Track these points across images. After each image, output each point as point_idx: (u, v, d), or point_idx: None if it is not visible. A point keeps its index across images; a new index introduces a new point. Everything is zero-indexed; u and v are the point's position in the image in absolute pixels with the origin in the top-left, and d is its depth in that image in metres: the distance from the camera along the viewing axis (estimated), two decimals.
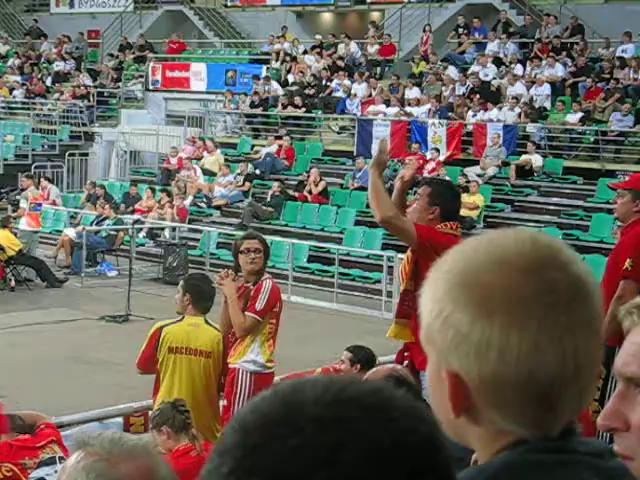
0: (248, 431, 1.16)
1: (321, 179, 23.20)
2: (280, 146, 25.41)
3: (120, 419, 7.72)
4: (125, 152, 28.27)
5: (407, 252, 6.47)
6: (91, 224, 22.32)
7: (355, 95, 26.37)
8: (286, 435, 1.13)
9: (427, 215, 6.34)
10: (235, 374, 7.28)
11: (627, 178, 7.74)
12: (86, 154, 28.83)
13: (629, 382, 1.60)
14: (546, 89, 23.96)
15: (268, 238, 8.75)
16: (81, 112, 29.80)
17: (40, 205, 20.89)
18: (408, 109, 24.85)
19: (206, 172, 25.38)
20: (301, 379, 1.22)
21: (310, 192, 23.08)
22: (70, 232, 21.69)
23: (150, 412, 7.62)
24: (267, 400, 1.19)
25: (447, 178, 18.43)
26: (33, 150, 28.70)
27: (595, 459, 1.45)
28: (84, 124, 29.66)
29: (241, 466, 1.14)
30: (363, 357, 6.86)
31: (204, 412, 7.22)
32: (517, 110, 23.41)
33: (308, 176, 23.42)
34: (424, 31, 28.11)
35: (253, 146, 26.62)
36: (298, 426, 1.14)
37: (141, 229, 22.69)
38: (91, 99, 30.59)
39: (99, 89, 31.16)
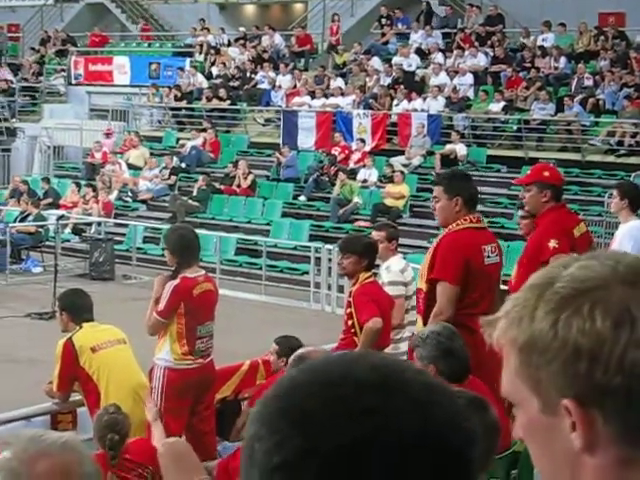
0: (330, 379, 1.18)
1: (249, 172, 23.12)
2: (205, 139, 25.30)
3: (47, 417, 7.64)
4: (48, 147, 27.92)
5: (428, 256, 6.70)
6: (15, 220, 22.02)
7: (280, 87, 26.35)
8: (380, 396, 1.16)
9: (453, 209, 6.64)
10: (153, 369, 7.39)
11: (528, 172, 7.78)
12: (8, 150, 28.42)
13: None
14: (469, 79, 24.17)
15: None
16: (2, 107, 29.36)
17: None
18: (333, 100, 24.90)
19: (131, 166, 25.19)
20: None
21: (239, 186, 22.98)
22: None
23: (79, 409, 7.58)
24: (357, 357, 1.22)
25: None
26: None
27: None
28: (6, 119, 29.19)
29: (309, 404, 1.16)
30: (290, 350, 6.88)
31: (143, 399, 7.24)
32: (441, 100, 23.60)
33: (235, 168, 23.30)
34: (333, 21, 28.18)
35: (178, 139, 26.47)
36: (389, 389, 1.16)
37: (66, 225, 22.45)
38: (14, 94, 30.14)
39: (21, 84, 30.75)
